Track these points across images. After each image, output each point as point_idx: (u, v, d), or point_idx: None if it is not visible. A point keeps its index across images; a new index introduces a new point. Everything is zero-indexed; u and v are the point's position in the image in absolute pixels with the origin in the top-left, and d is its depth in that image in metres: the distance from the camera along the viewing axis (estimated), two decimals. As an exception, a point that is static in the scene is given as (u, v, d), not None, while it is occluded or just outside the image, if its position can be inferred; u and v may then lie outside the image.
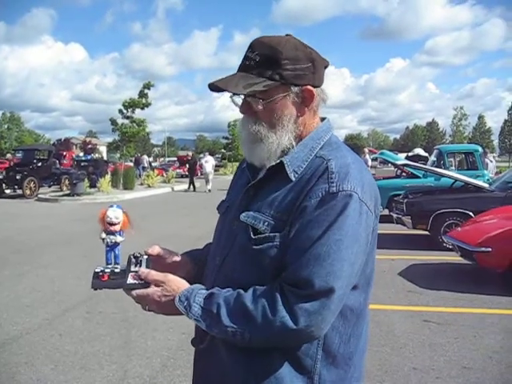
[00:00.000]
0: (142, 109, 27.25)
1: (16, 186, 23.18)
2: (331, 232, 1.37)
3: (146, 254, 1.58)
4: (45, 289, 7.29)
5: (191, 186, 28.10)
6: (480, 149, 15.92)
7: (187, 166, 31.89)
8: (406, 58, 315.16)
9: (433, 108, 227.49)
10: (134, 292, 1.50)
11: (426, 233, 10.41)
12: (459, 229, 8.36)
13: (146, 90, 27.13)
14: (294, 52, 1.49)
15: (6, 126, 79.19)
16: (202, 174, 30.09)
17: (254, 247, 1.46)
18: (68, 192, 23.46)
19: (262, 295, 1.39)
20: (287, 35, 1.54)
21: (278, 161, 1.51)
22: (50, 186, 26.05)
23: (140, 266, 1.55)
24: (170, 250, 1.74)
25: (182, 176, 41.16)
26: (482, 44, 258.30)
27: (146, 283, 1.50)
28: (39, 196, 23.04)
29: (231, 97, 1.55)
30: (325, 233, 1.37)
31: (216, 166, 55.47)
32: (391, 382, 4.32)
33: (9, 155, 41.37)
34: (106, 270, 1.54)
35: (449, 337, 5.32)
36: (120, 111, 27.17)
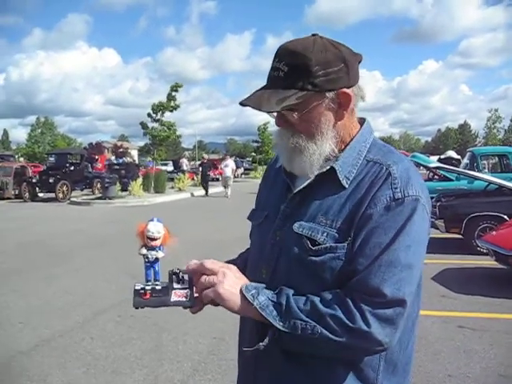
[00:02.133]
0: (171, 111, 27.18)
1: (49, 190, 23.52)
2: (400, 238, 1.32)
3: (185, 272, 1.49)
4: (77, 292, 7.36)
5: (206, 191, 27.66)
6: (515, 151, 15.61)
7: (200, 169, 30.43)
8: (440, 59, 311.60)
9: (465, 110, 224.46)
10: (203, 278, 1.42)
11: (460, 237, 10.24)
12: (494, 233, 8.17)
13: (174, 93, 27.12)
14: (324, 55, 1.40)
15: (39, 131, 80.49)
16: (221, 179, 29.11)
17: (314, 258, 1.40)
18: (100, 195, 23.74)
19: (331, 299, 1.34)
20: (313, 35, 1.45)
21: (328, 167, 1.45)
22: (82, 190, 26.40)
23: (182, 282, 1.48)
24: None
25: (212, 180, 41.28)
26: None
27: (191, 301, 1.45)
28: (72, 199, 23.35)
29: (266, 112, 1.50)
30: (394, 239, 1.33)
31: (246, 169, 56.15)
32: (426, 390, 4.23)
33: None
34: (147, 288, 1.47)
35: (484, 343, 5.19)
36: (149, 115, 27.25)
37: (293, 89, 1.39)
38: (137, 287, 1.48)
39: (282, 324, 1.34)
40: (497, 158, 16.87)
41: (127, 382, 4.42)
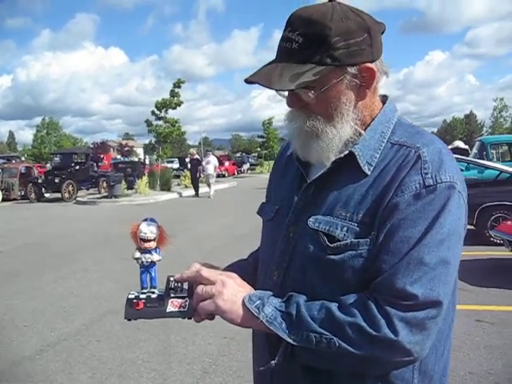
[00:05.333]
0: (174, 108, 26.99)
1: (55, 190, 23.43)
2: (433, 231, 1.13)
3: (183, 280, 1.32)
4: (83, 293, 7.20)
5: (200, 190, 24.84)
6: (525, 139, 15.36)
7: (189, 166, 26.90)
8: (446, 50, 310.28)
9: (472, 100, 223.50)
10: (200, 288, 1.24)
11: (472, 227, 10.04)
12: (509, 222, 7.96)
13: (176, 89, 26.90)
14: (346, 24, 1.18)
15: (45, 132, 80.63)
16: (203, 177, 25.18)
17: (332, 257, 1.21)
18: (106, 194, 23.64)
19: (350, 304, 1.15)
20: (331, 0, 1.23)
21: (347, 152, 1.25)
22: (88, 189, 26.32)
23: (181, 290, 1.30)
24: (213, 264, 1.44)
25: (218, 176, 41.09)
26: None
27: (189, 311, 1.27)
28: (78, 199, 23.27)
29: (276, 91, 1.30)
30: (425, 233, 1.13)
31: (252, 164, 56.07)
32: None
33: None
34: (141, 296, 1.31)
35: (505, 338, 5.00)
36: (153, 112, 27.08)
37: (309, 63, 1.18)
38: (130, 296, 1.31)
39: (293, 338, 1.15)
40: (506, 147, 16.60)
41: (135, 387, 4.25)
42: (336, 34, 1.17)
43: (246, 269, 1.51)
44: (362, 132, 1.26)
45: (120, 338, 5.34)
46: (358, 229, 1.19)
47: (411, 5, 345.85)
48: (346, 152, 1.25)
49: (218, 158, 30.94)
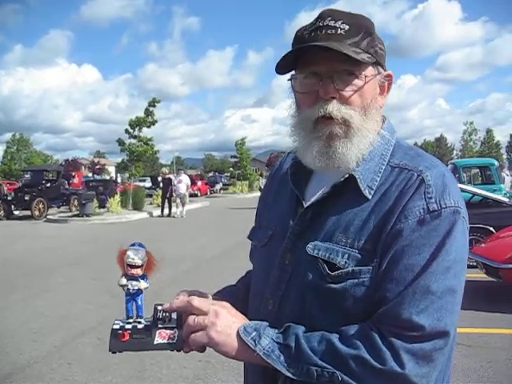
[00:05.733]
0: (149, 127, 26.79)
1: (25, 208, 23.01)
2: (439, 258, 1.09)
3: (175, 310, 1.24)
4: (53, 314, 7.00)
5: (165, 210, 23.87)
6: (496, 162, 15.66)
7: (161, 185, 25.81)
8: (418, 74, 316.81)
9: (443, 124, 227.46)
10: (191, 319, 1.16)
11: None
12: (483, 245, 8.02)
13: (151, 108, 26.77)
14: (373, 26, 1.21)
15: (15, 148, 79.66)
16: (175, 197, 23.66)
17: (333, 286, 1.15)
18: (77, 212, 23.26)
19: (353, 335, 1.09)
20: None
21: (347, 175, 1.20)
22: (59, 207, 25.88)
23: (170, 320, 1.22)
24: (201, 291, 1.37)
25: (191, 195, 40.86)
26: (493, 59, 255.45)
27: (178, 343, 1.19)
28: (48, 217, 22.83)
29: (293, 76, 1.25)
30: (431, 260, 1.08)
31: (224, 184, 55.96)
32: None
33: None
34: (127, 327, 1.22)
35: (482, 360, 5.00)
36: (126, 131, 26.84)
37: (358, 48, 1.16)
38: (115, 326, 1.23)
39: (292, 371, 1.09)
40: (478, 170, 16.86)
41: (108, 412, 4.12)
42: (374, 30, 1.20)
43: (236, 296, 1.44)
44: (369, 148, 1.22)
45: (92, 361, 5.18)
46: (359, 256, 1.15)
47: (385, 30, 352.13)
48: (346, 175, 1.20)
49: (190, 177, 30.70)
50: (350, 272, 1.14)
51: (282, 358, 1.10)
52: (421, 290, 1.07)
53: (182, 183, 23.53)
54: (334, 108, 1.17)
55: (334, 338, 1.09)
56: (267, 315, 1.24)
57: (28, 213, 22.79)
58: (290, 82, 1.27)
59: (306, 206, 1.26)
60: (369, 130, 1.20)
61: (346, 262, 1.14)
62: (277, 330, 1.14)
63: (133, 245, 1.28)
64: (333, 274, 1.15)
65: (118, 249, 1.29)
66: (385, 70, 1.24)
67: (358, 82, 1.18)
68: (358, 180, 1.19)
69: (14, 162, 74.78)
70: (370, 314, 1.11)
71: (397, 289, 1.09)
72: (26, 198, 22.94)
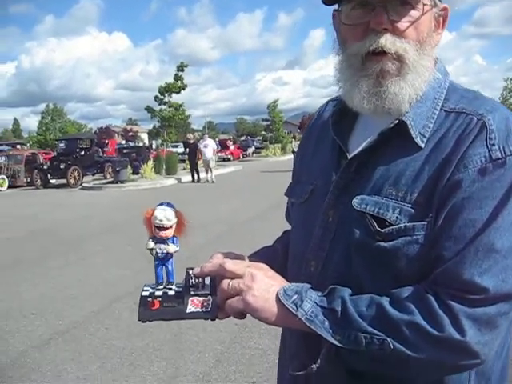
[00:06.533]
0: (178, 92, 26.74)
1: (60, 176, 23.34)
2: (504, 212, 0.96)
3: (207, 274, 1.14)
4: (90, 280, 7.10)
5: (195, 177, 23.55)
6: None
7: (187, 151, 25.39)
8: (453, 30, 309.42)
9: (479, 81, 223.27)
10: (225, 283, 1.07)
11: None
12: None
13: (180, 73, 26.59)
14: None
15: (49, 118, 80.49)
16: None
17: (382, 244, 1.03)
18: (111, 179, 23.52)
19: (406, 298, 0.98)
20: None
21: (396, 121, 1.08)
22: (93, 175, 26.19)
23: (203, 286, 1.12)
24: (236, 254, 1.27)
25: (224, 159, 40.87)
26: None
27: (212, 311, 1.10)
28: (83, 185, 23.15)
29: (337, 10, 1.13)
30: (495, 214, 0.96)
31: (257, 148, 55.77)
32: None
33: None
34: (157, 294, 1.13)
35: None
36: (156, 98, 26.81)
37: None
38: (144, 293, 1.14)
39: (338, 339, 0.99)
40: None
41: (146, 377, 4.14)
42: None
43: (273, 257, 1.33)
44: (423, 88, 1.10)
45: (129, 326, 5.22)
46: (412, 210, 1.03)
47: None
48: (396, 121, 1.08)
49: (223, 141, 30.50)
50: (403, 228, 1.02)
51: (326, 323, 1.00)
52: (484, 248, 0.96)
53: (209, 147, 23.28)
54: (387, 41, 1.04)
55: (385, 301, 0.99)
56: (309, 278, 1.14)
57: (64, 181, 23.15)
58: (332, 18, 1.16)
59: (350, 157, 1.14)
60: (425, 66, 1.08)
61: (397, 218, 1.03)
62: (320, 293, 1.04)
63: (160, 204, 1.17)
64: (383, 231, 1.04)
65: (146, 210, 1.18)
66: (441, 2, 1.10)
67: (414, 13, 1.05)
68: (410, 126, 1.07)
69: (49, 132, 75.58)
70: (425, 276, 1.00)
71: (456, 247, 0.97)
72: (62, 166, 23.26)
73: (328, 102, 1.37)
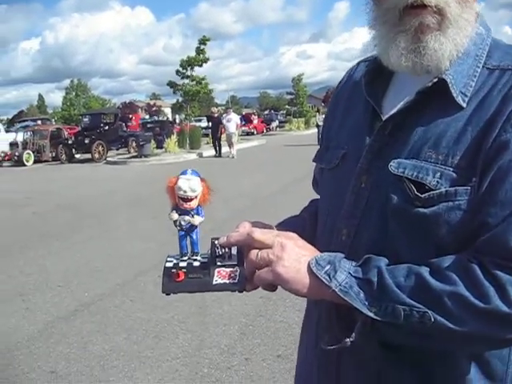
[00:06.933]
0: (201, 65, 26.53)
1: (85, 151, 23.50)
2: None
3: (234, 244, 1.07)
4: (115, 253, 7.13)
5: (217, 151, 23.36)
6: None
7: (210, 125, 25.25)
8: (481, 1, 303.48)
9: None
10: (253, 254, 1.01)
11: None
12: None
13: (202, 46, 26.39)
14: None
15: (74, 94, 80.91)
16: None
17: (422, 210, 0.96)
18: (135, 154, 23.61)
19: (447, 268, 0.91)
20: None
21: (436, 79, 0.99)
22: (117, 149, 26.33)
23: (229, 257, 1.06)
24: (265, 223, 1.19)
25: (247, 134, 40.73)
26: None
27: (240, 282, 1.03)
28: (108, 159, 23.31)
29: None
30: None
31: (280, 122, 55.51)
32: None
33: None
34: (182, 265, 1.07)
35: None
36: (177, 72, 26.67)
37: None
38: (168, 264, 1.07)
39: (374, 311, 0.92)
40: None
41: (171, 348, 4.15)
42: None
43: (302, 226, 1.26)
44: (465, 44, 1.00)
45: (154, 298, 5.23)
46: (454, 174, 0.95)
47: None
48: (435, 79, 0.99)
49: (246, 115, 30.33)
50: (444, 193, 0.95)
51: (361, 295, 0.94)
52: None
53: (232, 122, 23.01)
54: None
55: (425, 271, 0.91)
56: (340, 247, 1.06)
57: (88, 156, 23.33)
58: None
59: (384, 118, 1.06)
60: (467, 20, 0.99)
61: (438, 182, 0.95)
62: (354, 263, 0.97)
63: (183, 172, 1.08)
64: (422, 196, 0.96)
65: (168, 178, 1.10)
66: None
67: None
68: (450, 85, 0.99)
69: (74, 108, 76.05)
70: (468, 244, 0.93)
71: (502, 213, 0.89)
72: (86, 141, 23.42)
73: (359, 63, 1.29)
